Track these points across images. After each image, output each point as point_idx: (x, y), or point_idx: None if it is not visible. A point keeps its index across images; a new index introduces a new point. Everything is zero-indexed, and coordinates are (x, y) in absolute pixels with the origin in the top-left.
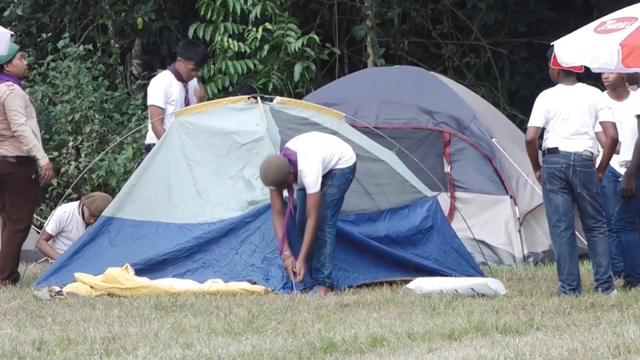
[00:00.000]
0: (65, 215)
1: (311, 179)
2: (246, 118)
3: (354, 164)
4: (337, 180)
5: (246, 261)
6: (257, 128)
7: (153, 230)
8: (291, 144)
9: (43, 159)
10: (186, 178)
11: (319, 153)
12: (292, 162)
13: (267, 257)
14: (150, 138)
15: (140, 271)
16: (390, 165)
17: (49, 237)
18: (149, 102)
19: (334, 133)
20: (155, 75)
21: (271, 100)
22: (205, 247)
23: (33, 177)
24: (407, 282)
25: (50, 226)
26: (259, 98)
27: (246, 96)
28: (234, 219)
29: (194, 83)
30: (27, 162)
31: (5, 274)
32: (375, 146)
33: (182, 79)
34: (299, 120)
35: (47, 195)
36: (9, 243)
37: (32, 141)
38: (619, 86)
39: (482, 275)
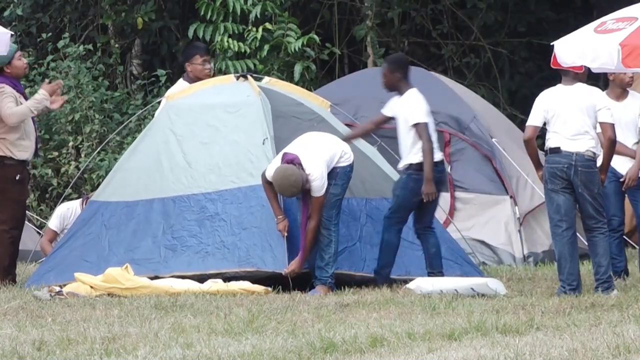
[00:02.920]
0: (69, 212)
1: (319, 182)
2: (236, 92)
3: (353, 161)
4: (340, 180)
5: (247, 244)
6: (248, 98)
7: (148, 207)
8: (291, 149)
9: (43, 96)
10: (176, 153)
11: (322, 156)
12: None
13: (270, 236)
14: None
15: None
16: (371, 158)
17: (54, 235)
18: None
19: (321, 119)
20: (155, 74)
21: (260, 79)
22: (205, 227)
23: (17, 177)
24: (407, 282)
25: (54, 222)
26: (248, 75)
27: (234, 75)
28: (232, 190)
29: None
30: (11, 162)
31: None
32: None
33: None
34: (287, 100)
35: (47, 195)
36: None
37: (25, 107)
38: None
39: (477, 269)
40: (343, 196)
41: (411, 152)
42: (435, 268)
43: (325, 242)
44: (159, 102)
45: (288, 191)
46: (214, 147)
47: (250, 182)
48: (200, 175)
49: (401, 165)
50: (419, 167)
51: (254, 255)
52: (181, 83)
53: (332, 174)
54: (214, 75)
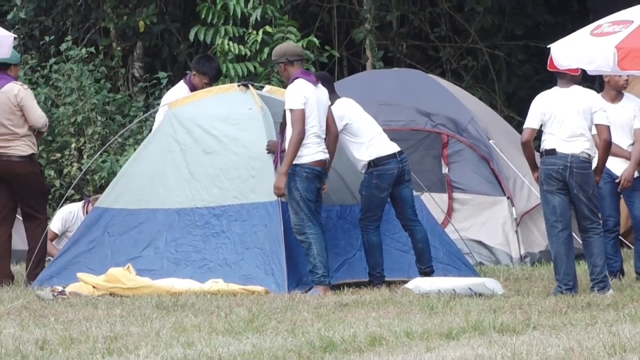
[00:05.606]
0: (70, 215)
1: (290, 95)
2: (238, 103)
3: (319, 161)
4: (298, 179)
5: (250, 265)
6: (249, 112)
7: (151, 217)
8: None
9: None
10: (180, 163)
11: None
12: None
13: (272, 260)
14: None
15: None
16: None
17: (54, 237)
18: None
19: None
20: (156, 77)
21: (261, 88)
22: (208, 245)
23: (40, 170)
24: (405, 281)
25: (56, 225)
26: (249, 85)
27: (236, 84)
28: (235, 207)
29: None
30: (34, 157)
31: (40, 268)
32: None
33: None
34: None
35: (50, 196)
36: (35, 239)
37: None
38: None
39: (475, 273)
40: (309, 198)
41: (359, 152)
42: (424, 263)
43: (305, 247)
44: (159, 104)
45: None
46: (216, 158)
47: (253, 199)
48: (203, 187)
49: (360, 167)
50: (376, 162)
51: (256, 277)
52: (181, 86)
53: (292, 175)
54: None
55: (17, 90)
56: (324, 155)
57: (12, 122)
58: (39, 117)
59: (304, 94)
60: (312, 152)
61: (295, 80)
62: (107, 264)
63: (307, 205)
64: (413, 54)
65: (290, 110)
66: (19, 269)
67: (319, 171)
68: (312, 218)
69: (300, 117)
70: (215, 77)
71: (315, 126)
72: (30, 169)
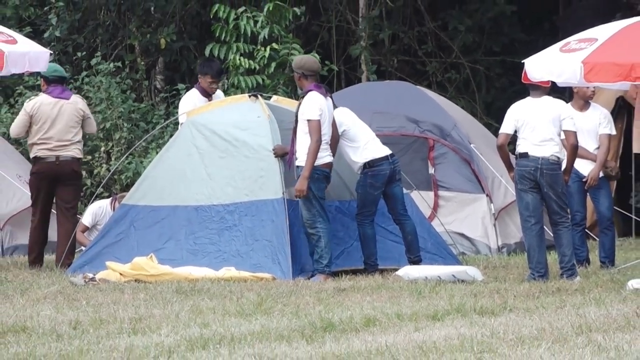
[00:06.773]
0: (100, 210)
1: (308, 107)
2: (248, 111)
3: (327, 164)
4: (311, 183)
5: (259, 255)
6: (258, 119)
7: (171, 213)
8: None
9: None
10: (198, 165)
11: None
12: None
13: (279, 251)
14: None
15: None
16: None
17: (85, 229)
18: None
19: None
20: (176, 88)
21: (269, 98)
22: (221, 237)
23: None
24: (396, 269)
25: (87, 219)
26: (259, 95)
27: (247, 95)
28: (246, 204)
29: (219, 96)
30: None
31: (71, 259)
32: None
33: (207, 94)
34: (292, 114)
35: (82, 194)
36: (71, 233)
37: None
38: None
39: (458, 261)
40: (320, 196)
41: (355, 155)
42: (413, 253)
43: (315, 239)
44: (177, 112)
45: (300, 60)
46: (230, 161)
47: (261, 196)
48: (219, 187)
49: (356, 168)
50: (371, 163)
51: (264, 265)
52: (193, 92)
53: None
54: (225, 91)
55: (81, 103)
56: (330, 158)
57: (74, 129)
58: (95, 125)
59: (319, 106)
60: (322, 155)
61: (310, 93)
62: (132, 254)
63: (319, 202)
64: (403, 68)
65: (309, 120)
66: (53, 258)
67: (327, 172)
68: (323, 214)
69: (318, 126)
70: (216, 75)
71: (326, 134)
72: (79, 170)
